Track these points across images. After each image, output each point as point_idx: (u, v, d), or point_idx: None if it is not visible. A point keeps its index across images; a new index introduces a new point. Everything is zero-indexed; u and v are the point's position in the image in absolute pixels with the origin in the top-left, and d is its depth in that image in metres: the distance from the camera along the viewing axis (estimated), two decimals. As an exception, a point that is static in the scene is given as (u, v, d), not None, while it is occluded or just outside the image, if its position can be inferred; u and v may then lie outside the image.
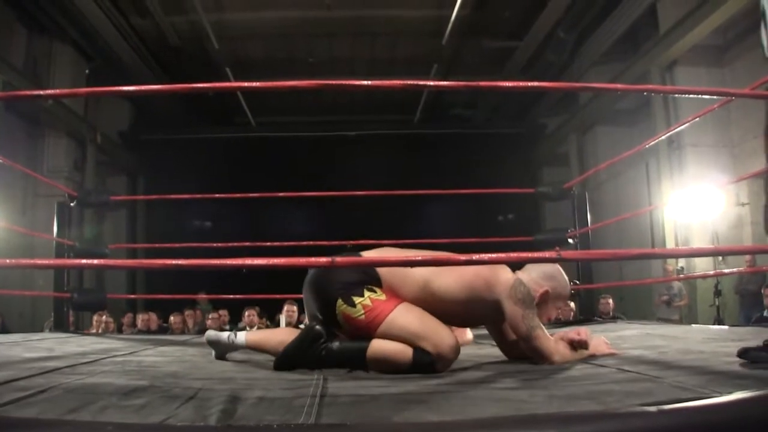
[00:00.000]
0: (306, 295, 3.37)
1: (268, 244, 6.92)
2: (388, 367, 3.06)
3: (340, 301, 3.15)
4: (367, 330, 3.13)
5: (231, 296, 8.19)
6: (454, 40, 14.63)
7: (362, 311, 3.12)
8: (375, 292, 3.17)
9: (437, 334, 3.08)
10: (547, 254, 2.84)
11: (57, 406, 2.00)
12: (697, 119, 5.06)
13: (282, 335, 3.42)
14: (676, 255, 11.17)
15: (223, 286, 8.81)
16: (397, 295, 3.21)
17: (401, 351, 3.05)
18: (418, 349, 3.04)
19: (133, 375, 2.85)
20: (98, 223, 15.70)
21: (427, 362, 3.01)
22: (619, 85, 3.61)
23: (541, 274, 3.35)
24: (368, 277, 3.20)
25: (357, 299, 3.13)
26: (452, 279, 3.23)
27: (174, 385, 2.50)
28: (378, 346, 3.09)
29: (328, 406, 2.06)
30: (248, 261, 2.41)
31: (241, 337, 3.53)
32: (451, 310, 3.24)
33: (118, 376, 2.79)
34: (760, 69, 4.12)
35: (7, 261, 2.32)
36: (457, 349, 3.10)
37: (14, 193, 12.51)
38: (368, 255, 3.25)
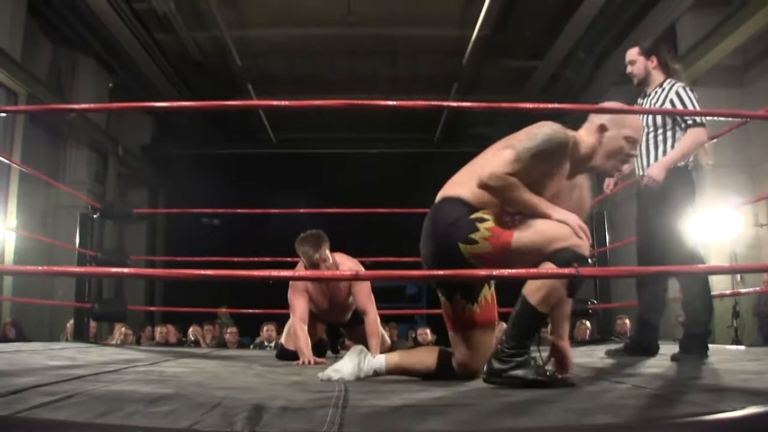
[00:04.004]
0: (425, 256, 3.29)
1: (288, 259, 6.96)
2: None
3: (462, 245, 3.05)
4: (499, 256, 3.01)
5: (252, 311, 8.23)
6: (474, 60, 14.67)
7: (487, 244, 3.01)
8: (486, 220, 3.05)
9: (564, 228, 2.95)
10: (565, 270, 2.86)
11: (85, 411, 2.04)
12: (716, 140, 5.09)
13: (421, 356, 3.43)
14: (695, 272, 11.14)
15: (241, 300, 8.87)
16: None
17: None
18: (560, 251, 2.91)
19: (158, 384, 2.90)
20: (119, 235, 15.80)
21: (570, 258, 2.87)
22: (636, 108, 3.65)
23: (596, 115, 3.30)
24: (468, 207, 3.12)
25: (474, 235, 3.04)
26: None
27: (198, 394, 2.55)
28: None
29: (350, 416, 2.10)
30: (274, 273, 2.46)
31: (380, 361, 3.40)
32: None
33: (142, 385, 2.85)
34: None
35: (39, 268, 2.38)
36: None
37: (36, 203, 12.59)
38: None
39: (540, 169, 3.05)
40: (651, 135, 4.66)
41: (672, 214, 4.51)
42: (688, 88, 4.67)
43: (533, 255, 2.97)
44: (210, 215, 17.32)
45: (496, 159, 3.05)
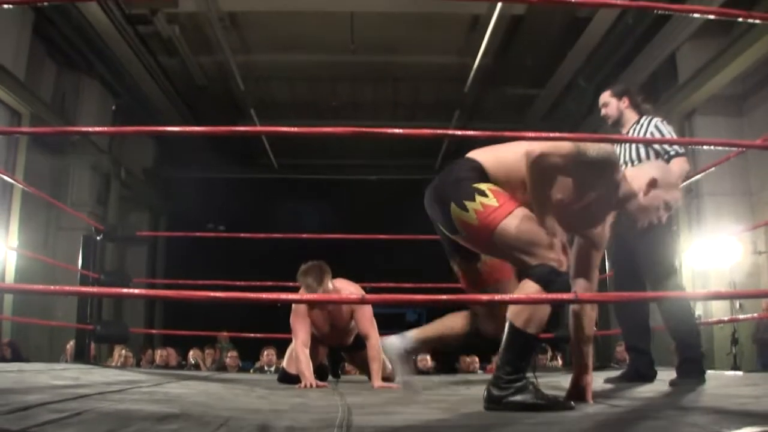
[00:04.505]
0: (428, 209, 3.34)
1: (291, 284, 6.97)
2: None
3: (453, 206, 3.06)
4: (480, 238, 3.06)
5: (252, 335, 8.25)
6: (476, 87, 14.76)
7: (475, 217, 3.00)
8: (486, 195, 3.02)
9: (550, 244, 2.94)
10: (564, 296, 2.89)
11: (94, 428, 2.08)
12: (715, 168, 5.16)
13: (451, 321, 3.50)
14: (693, 297, 11.16)
15: (241, 325, 8.87)
16: (511, 198, 3.05)
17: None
18: (539, 266, 2.91)
19: (163, 404, 2.93)
20: (119, 257, 15.80)
21: (548, 275, 2.88)
22: (634, 138, 3.71)
23: (650, 167, 3.37)
24: (478, 174, 3.11)
25: (468, 203, 3.01)
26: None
27: (204, 414, 2.58)
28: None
29: (354, 435, 2.13)
30: (282, 295, 2.50)
31: (409, 335, 3.55)
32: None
33: (148, 404, 2.88)
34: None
35: (50, 288, 2.42)
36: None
37: (37, 225, 12.60)
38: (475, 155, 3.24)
39: (582, 179, 3.07)
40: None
41: (652, 243, 4.60)
42: (665, 122, 4.82)
43: (510, 249, 2.99)
44: (215, 222, 17.36)
45: (552, 143, 3.04)
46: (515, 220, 2.95)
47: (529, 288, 2.91)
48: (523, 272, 2.99)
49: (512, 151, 3.11)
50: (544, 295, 2.92)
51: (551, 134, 3.17)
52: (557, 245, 2.96)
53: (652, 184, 3.14)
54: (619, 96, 5.05)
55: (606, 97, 5.08)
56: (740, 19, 3.35)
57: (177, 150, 17.84)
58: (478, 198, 3.00)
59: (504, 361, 2.94)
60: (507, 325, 2.94)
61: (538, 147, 2.97)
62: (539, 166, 2.96)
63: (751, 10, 9.85)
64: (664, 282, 4.52)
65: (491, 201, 2.99)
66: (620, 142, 3.37)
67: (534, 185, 2.99)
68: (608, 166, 3.05)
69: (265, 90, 15.77)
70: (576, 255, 3.38)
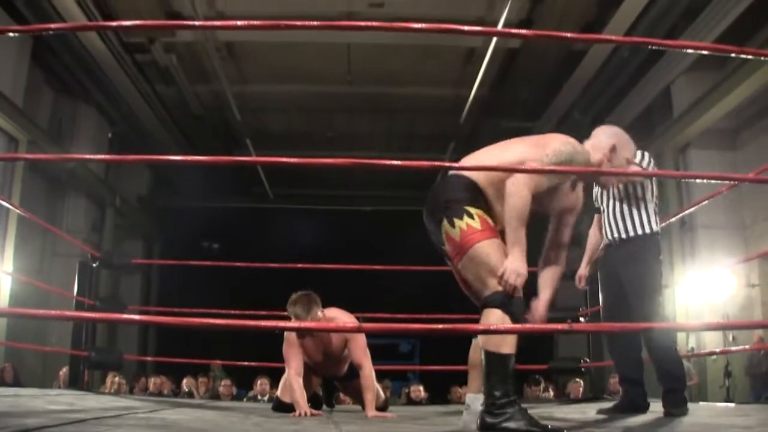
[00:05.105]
0: (425, 220, 3.58)
1: (285, 313, 6.96)
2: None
3: (445, 221, 3.33)
4: (458, 252, 3.29)
5: (245, 363, 8.24)
6: (471, 119, 14.83)
7: (458, 234, 3.27)
8: (473, 218, 3.29)
9: (502, 269, 3.19)
10: (558, 326, 2.95)
11: (93, 452, 2.10)
12: (709, 201, 5.21)
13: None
14: (686, 329, 11.17)
15: (234, 353, 8.85)
16: (493, 228, 3.34)
17: None
18: (495, 294, 3.17)
19: (160, 429, 2.94)
20: (113, 285, 15.77)
21: (503, 299, 3.15)
22: (628, 170, 3.76)
23: (604, 135, 3.73)
24: (471, 194, 3.38)
25: (457, 221, 3.29)
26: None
27: (201, 438, 2.60)
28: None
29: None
30: (281, 323, 2.52)
31: (473, 406, 3.46)
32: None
33: (145, 430, 2.89)
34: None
35: (53, 312, 2.44)
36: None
37: (32, 251, 12.59)
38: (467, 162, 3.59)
39: (556, 180, 3.45)
40: (625, 203, 4.80)
41: (641, 281, 4.65)
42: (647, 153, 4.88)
43: (475, 270, 3.27)
44: (210, 240, 17.35)
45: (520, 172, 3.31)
46: (488, 247, 3.24)
47: (492, 315, 3.14)
48: (482, 301, 3.26)
49: (501, 160, 3.45)
50: (541, 326, 2.98)
51: (546, 167, 3.26)
52: (509, 277, 3.19)
53: (613, 149, 3.67)
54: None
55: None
56: (733, 55, 3.42)
57: (172, 178, 17.87)
58: (466, 218, 3.28)
59: (490, 386, 3.10)
60: (482, 353, 3.16)
61: (512, 177, 3.29)
62: (512, 193, 3.28)
63: (744, 45, 10.02)
64: (650, 311, 4.55)
65: (476, 224, 3.27)
66: (604, 174, 3.48)
67: (509, 210, 3.29)
68: (576, 165, 3.45)
69: (261, 120, 15.83)
70: (550, 234, 3.78)
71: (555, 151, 3.37)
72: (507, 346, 3.09)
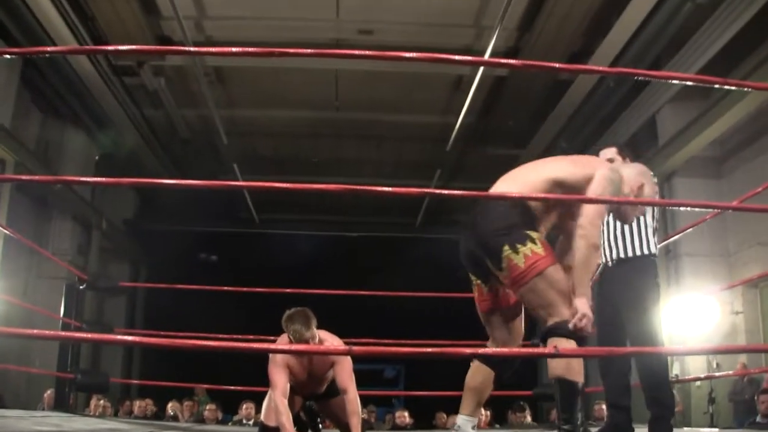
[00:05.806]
0: (466, 247, 3.61)
1: (273, 338, 6.94)
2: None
3: (506, 247, 3.35)
4: (522, 278, 3.33)
5: (230, 387, 8.22)
6: (458, 146, 14.87)
7: (522, 260, 3.31)
8: (535, 243, 3.36)
9: (573, 302, 3.32)
10: (545, 350, 2.99)
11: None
12: (694, 229, 5.26)
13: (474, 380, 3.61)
14: (671, 353, 11.19)
15: (219, 377, 8.82)
16: (553, 251, 3.45)
17: None
18: (563, 323, 3.28)
19: (147, 448, 2.95)
20: (98, 307, 15.69)
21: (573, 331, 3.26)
22: (614, 198, 3.80)
23: (634, 172, 3.83)
24: (527, 218, 3.45)
25: (520, 247, 3.33)
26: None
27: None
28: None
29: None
30: (272, 346, 2.53)
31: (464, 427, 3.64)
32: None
33: (132, 448, 2.89)
34: (756, 180, 4.39)
35: (47, 333, 2.44)
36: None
37: (17, 272, 12.50)
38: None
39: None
40: (619, 226, 4.83)
41: (637, 302, 4.67)
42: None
43: (545, 296, 3.33)
44: (207, 252, 17.31)
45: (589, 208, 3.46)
46: (556, 274, 3.36)
47: (567, 345, 3.24)
48: (544, 328, 3.36)
49: (540, 175, 3.61)
50: (526, 350, 3.02)
51: (533, 195, 3.29)
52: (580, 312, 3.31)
53: (641, 188, 3.78)
54: (623, 154, 5.10)
55: (612, 153, 5.10)
56: (717, 86, 3.47)
57: (158, 202, 17.85)
58: (529, 244, 3.35)
59: (564, 416, 3.31)
60: (554, 384, 3.33)
61: (586, 219, 3.45)
62: (588, 234, 3.43)
63: (728, 75, 10.10)
64: (646, 335, 4.57)
65: (539, 249, 3.35)
66: (590, 203, 3.52)
67: (581, 249, 3.43)
68: (616, 193, 3.59)
69: (248, 144, 15.81)
70: (559, 245, 3.80)
71: (608, 180, 3.51)
72: (577, 373, 3.27)
